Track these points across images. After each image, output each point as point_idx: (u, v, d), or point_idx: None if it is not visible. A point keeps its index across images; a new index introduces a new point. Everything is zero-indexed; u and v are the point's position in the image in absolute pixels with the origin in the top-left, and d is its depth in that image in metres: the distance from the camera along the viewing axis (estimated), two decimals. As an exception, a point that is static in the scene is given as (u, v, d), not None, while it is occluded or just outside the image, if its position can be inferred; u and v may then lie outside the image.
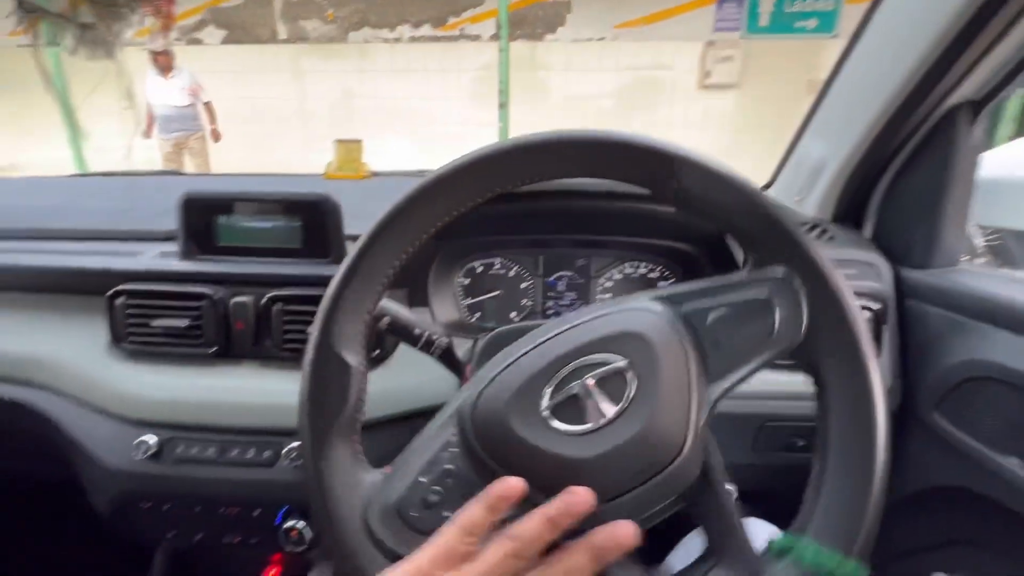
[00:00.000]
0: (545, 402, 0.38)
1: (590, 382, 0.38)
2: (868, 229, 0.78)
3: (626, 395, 0.38)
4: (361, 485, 0.39)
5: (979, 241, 0.75)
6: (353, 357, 0.40)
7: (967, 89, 0.63)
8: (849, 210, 0.79)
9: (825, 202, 0.79)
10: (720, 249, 0.74)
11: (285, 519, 0.70)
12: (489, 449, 0.38)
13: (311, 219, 0.72)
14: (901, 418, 0.70)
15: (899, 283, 0.72)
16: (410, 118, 6.11)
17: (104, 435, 0.70)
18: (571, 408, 0.38)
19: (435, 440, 0.39)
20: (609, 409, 0.38)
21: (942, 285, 0.66)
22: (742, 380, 0.40)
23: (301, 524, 0.69)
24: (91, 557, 0.97)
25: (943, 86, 0.62)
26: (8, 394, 0.72)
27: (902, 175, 0.72)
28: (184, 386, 0.70)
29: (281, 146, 6.19)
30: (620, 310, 0.41)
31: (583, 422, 0.37)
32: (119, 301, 0.71)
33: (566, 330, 0.40)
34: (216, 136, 4.92)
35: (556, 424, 0.37)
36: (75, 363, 0.72)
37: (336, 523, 0.38)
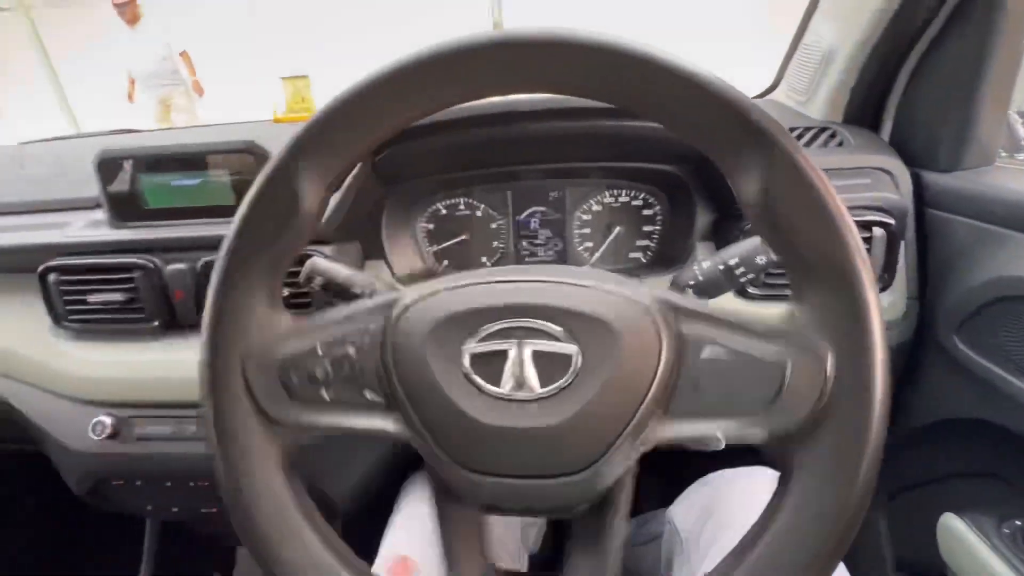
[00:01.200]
0: (471, 345, 0.33)
1: (528, 349, 0.33)
2: (886, 130, 0.66)
3: (560, 383, 0.32)
4: (261, 322, 0.36)
5: (1022, 131, 0.62)
6: (310, 198, 0.35)
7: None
8: (864, 108, 0.67)
9: (835, 100, 0.67)
10: (710, 169, 0.64)
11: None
12: (397, 362, 0.34)
13: (240, 172, 0.64)
14: (916, 344, 0.63)
15: (920, 190, 0.62)
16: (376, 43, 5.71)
17: (61, 417, 0.67)
18: (490, 364, 0.33)
19: (354, 321, 0.36)
20: (534, 387, 0.32)
21: (972, 190, 0.56)
22: (697, 440, 0.33)
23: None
24: (86, 528, 0.99)
25: None
26: None
27: (928, 58, 0.60)
28: (132, 363, 0.66)
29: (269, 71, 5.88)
30: (607, 290, 0.34)
31: (497, 385, 0.33)
32: (51, 278, 0.66)
33: (532, 281, 0.34)
34: (198, 89, 4.70)
35: (473, 375, 0.33)
36: (20, 346, 0.69)
37: (212, 352, 0.35)
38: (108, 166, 0.65)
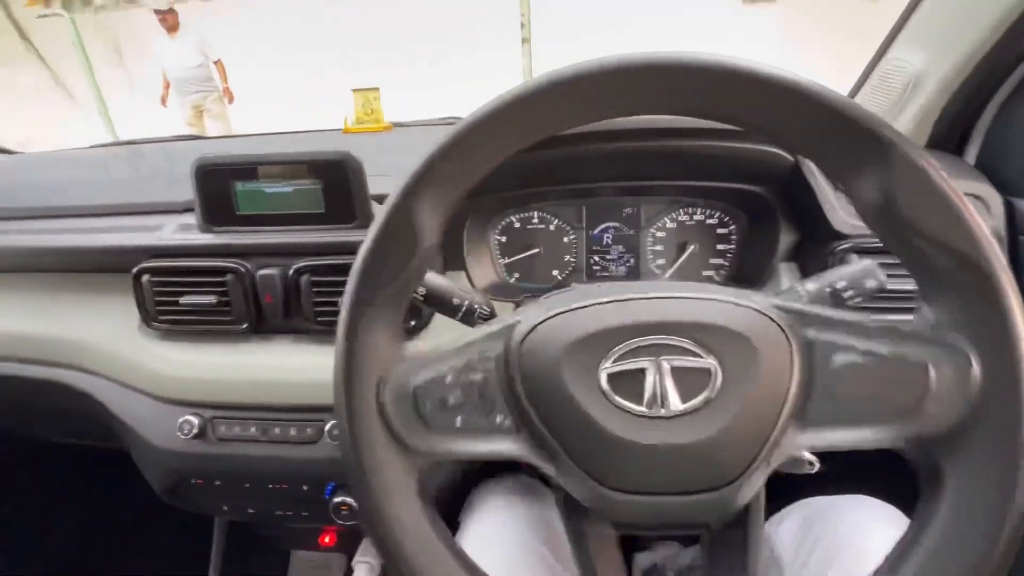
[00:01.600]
0: (607, 364, 0.33)
1: (667, 365, 0.33)
2: (972, 154, 0.66)
3: (703, 397, 0.33)
4: (387, 354, 0.36)
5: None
6: (430, 232, 0.36)
7: None
8: (950, 133, 0.67)
9: (921, 123, 0.67)
10: (797, 189, 0.64)
11: (334, 494, 0.68)
12: (528, 387, 0.35)
13: (332, 180, 0.66)
14: None
15: (1011, 217, 0.61)
16: (421, 51, 5.82)
17: (147, 415, 0.68)
18: (629, 382, 0.33)
19: (476, 346, 0.36)
20: (675, 403, 0.33)
21: None
22: (839, 448, 0.33)
23: (350, 499, 0.67)
24: (156, 524, 1.01)
25: None
26: (52, 376, 0.71)
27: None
28: (219, 364, 0.67)
29: (299, 92, 6.02)
30: (733, 301, 0.34)
31: (638, 403, 0.33)
32: (145, 279, 0.68)
33: (660, 298, 0.35)
34: (229, 95, 4.81)
35: (612, 394, 0.33)
36: (110, 345, 0.70)
37: (347, 387, 0.35)
38: (205, 172, 0.67)
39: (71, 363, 0.71)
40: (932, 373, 0.31)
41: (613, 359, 0.34)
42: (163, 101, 4.79)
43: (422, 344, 0.38)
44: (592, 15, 5.54)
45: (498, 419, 0.36)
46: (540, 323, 0.35)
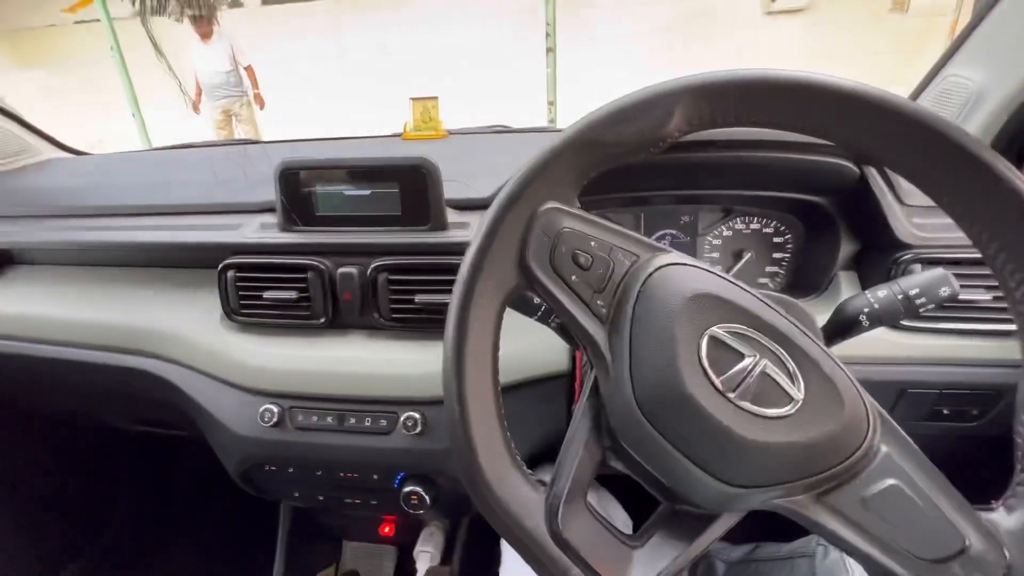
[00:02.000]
0: (719, 330, 0.36)
1: (764, 367, 0.36)
2: None
3: (773, 413, 0.35)
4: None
5: None
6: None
7: None
8: (1007, 150, 0.68)
9: (981, 139, 0.69)
10: (860, 200, 0.66)
11: (403, 484, 0.71)
12: (641, 300, 0.38)
13: (409, 185, 0.69)
14: None
15: None
16: (454, 70, 5.93)
17: (228, 404, 0.72)
18: (723, 356, 0.36)
19: (631, 241, 0.40)
20: (746, 401, 0.35)
21: None
22: (834, 544, 0.36)
23: (420, 489, 0.70)
24: (221, 508, 1.04)
25: None
26: (139, 365, 0.76)
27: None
28: (298, 357, 0.71)
29: (328, 110, 6.19)
30: (849, 376, 0.37)
31: (719, 375, 0.36)
32: (229, 275, 0.71)
33: (795, 324, 0.38)
34: (260, 102, 4.93)
35: (703, 354, 0.36)
36: (194, 336, 0.74)
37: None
38: (288, 175, 0.71)
39: (156, 353, 0.76)
40: (972, 545, 0.33)
41: (726, 330, 0.36)
42: (195, 108, 4.91)
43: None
44: (621, 31, 5.59)
45: (599, 301, 0.39)
46: (689, 265, 0.39)
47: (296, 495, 0.77)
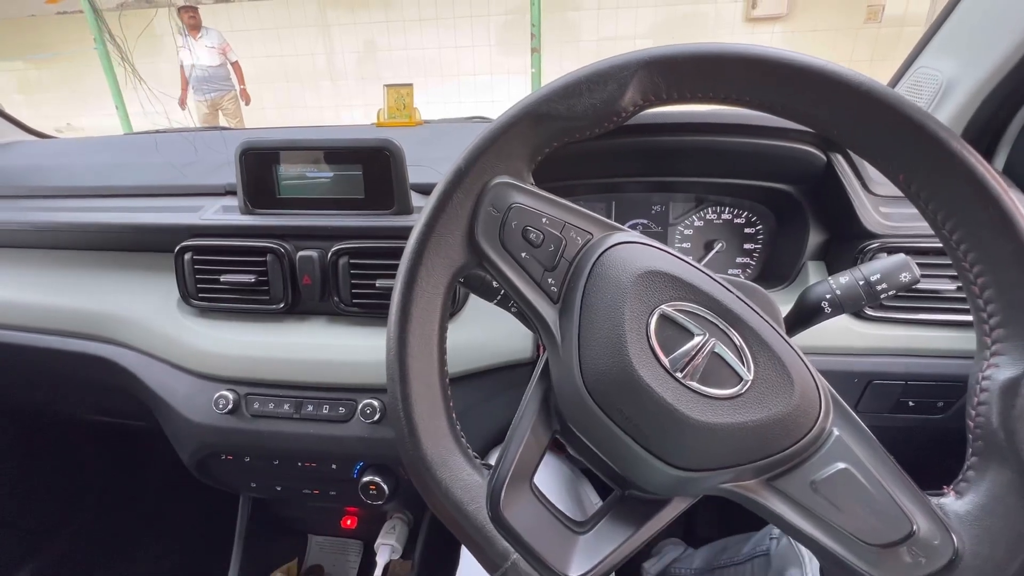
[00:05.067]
0: (667, 307, 0.35)
1: (713, 347, 0.35)
2: (1000, 160, 0.68)
3: (721, 393, 0.34)
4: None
5: None
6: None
7: None
8: (978, 139, 0.68)
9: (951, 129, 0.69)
10: (828, 188, 0.65)
11: (362, 474, 0.69)
12: (593, 278, 0.36)
13: (372, 167, 0.68)
14: None
15: None
16: (439, 68, 5.93)
17: (183, 390, 0.70)
18: (671, 335, 0.35)
19: (580, 217, 0.39)
20: (694, 381, 0.34)
21: None
22: (783, 529, 0.35)
23: (379, 479, 0.68)
24: (180, 500, 1.01)
25: None
26: (91, 350, 0.73)
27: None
28: (256, 343, 0.69)
29: (312, 104, 6.16)
30: (802, 358, 0.36)
31: (667, 355, 0.35)
32: (187, 257, 0.69)
33: (746, 302, 0.37)
34: (245, 97, 4.88)
35: (652, 333, 0.35)
36: (149, 320, 0.72)
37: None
38: (249, 156, 0.69)
39: (110, 338, 0.73)
40: (920, 529, 0.32)
41: (676, 308, 0.35)
42: (182, 103, 4.83)
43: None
44: (605, 34, 5.63)
45: (550, 279, 0.38)
46: (639, 243, 0.38)
47: (253, 485, 0.74)
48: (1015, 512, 0.32)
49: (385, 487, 0.68)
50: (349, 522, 0.82)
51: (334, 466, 0.70)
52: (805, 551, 0.57)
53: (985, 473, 0.33)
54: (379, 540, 0.78)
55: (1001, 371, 0.33)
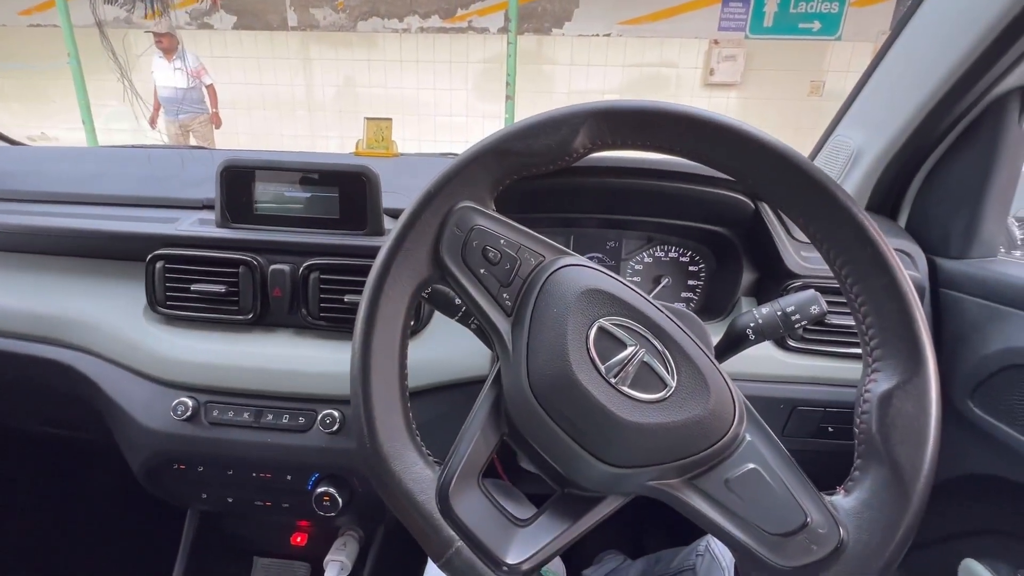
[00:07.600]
0: (606, 321, 0.40)
1: (643, 357, 0.40)
2: (903, 218, 0.79)
3: (647, 398, 0.39)
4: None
5: (1018, 233, 0.75)
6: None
7: (1017, 77, 0.63)
8: (885, 199, 0.79)
9: (861, 191, 0.80)
10: (757, 233, 0.74)
11: (316, 485, 0.70)
12: (543, 295, 0.41)
13: (349, 190, 0.72)
14: None
15: (933, 273, 0.73)
16: (416, 108, 6.11)
17: (141, 396, 0.70)
18: (608, 345, 0.40)
19: (536, 243, 0.44)
20: (625, 385, 0.39)
21: (981, 274, 0.67)
22: (698, 524, 0.39)
23: (333, 490, 0.69)
24: (122, 518, 0.97)
25: (992, 74, 0.62)
26: (49, 354, 0.72)
27: (942, 164, 0.73)
28: (220, 351, 0.70)
29: (288, 133, 6.19)
30: (720, 374, 0.41)
31: (603, 362, 0.40)
32: (158, 266, 0.71)
33: (675, 321, 0.43)
34: (216, 120, 4.88)
35: (591, 343, 0.40)
36: (113, 326, 0.72)
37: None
38: (230, 172, 0.72)
39: (69, 342, 0.72)
40: (812, 521, 0.37)
41: (613, 322, 0.41)
42: (152, 123, 4.78)
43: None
44: (576, 87, 5.98)
45: (505, 294, 0.42)
46: (585, 266, 0.43)
47: (204, 496, 0.73)
48: (889, 506, 0.37)
49: (339, 499, 0.69)
50: (299, 539, 0.81)
51: (289, 477, 0.70)
52: (727, 568, 0.61)
53: (867, 473, 0.39)
54: (329, 556, 0.77)
55: (879, 384, 0.40)
